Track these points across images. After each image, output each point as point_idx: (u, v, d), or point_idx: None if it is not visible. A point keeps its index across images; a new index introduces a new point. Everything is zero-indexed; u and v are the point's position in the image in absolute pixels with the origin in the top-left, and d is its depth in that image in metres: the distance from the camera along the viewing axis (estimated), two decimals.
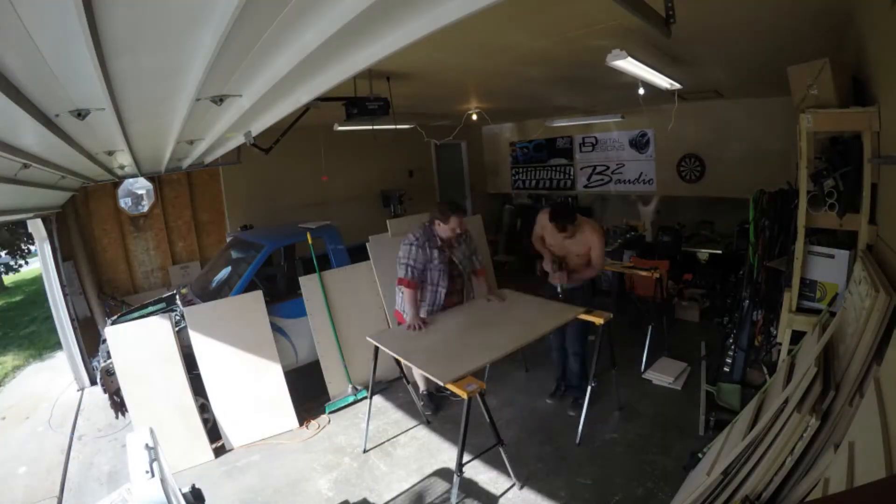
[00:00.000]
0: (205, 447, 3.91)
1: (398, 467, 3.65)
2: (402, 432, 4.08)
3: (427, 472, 3.53)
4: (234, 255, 5.15)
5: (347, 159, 7.52)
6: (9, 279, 14.57)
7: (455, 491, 2.95)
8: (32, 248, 11.38)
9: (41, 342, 8.27)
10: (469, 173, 9.74)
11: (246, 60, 1.63)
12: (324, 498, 3.40)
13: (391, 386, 4.84)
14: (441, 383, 2.88)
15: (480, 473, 3.45)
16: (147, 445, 1.95)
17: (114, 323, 4.20)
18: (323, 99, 2.83)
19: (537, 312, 3.76)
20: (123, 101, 1.90)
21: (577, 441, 3.60)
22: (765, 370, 3.48)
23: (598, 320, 3.49)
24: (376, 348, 3.64)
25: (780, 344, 3.12)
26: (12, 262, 13.56)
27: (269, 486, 3.55)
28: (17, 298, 13.04)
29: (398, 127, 5.69)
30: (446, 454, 3.73)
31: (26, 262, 13.72)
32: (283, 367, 4.32)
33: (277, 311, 4.51)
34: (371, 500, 3.33)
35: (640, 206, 7.80)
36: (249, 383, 4.15)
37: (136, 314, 4.47)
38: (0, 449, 4.44)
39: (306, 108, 3.72)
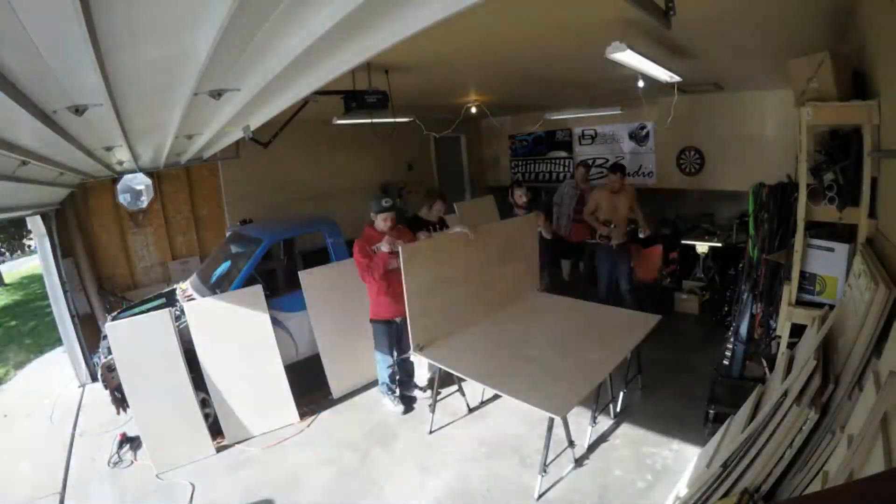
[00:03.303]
0: (206, 442, 3.93)
1: (398, 461, 3.66)
2: (403, 426, 4.09)
3: (427, 465, 3.55)
4: (233, 249, 5.15)
5: (346, 153, 7.51)
6: (10, 275, 14.56)
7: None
8: (28, 244, 11.32)
9: (42, 339, 8.28)
10: (468, 166, 9.72)
11: (245, 53, 1.62)
12: (324, 492, 3.42)
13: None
14: (557, 416, 2.91)
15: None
16: None
17: (114, 319, 4.20)
18: (321, 92, 2.83)
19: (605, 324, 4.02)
20: (121, 96, 1.88)
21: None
22: (764, 363, 3.49)
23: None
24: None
25: (780, 337, 3.13)
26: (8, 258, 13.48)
27: (269, 481, 3.57)
28: (19, 295, 13.04)
29: (397, 120, 5.67)
30: (446, 447, 3.75)
31: (11, 256, 13.62)
32: (283, 361, 4.33)
33: (277, 304, 4.51)
34: (372, 493, 3.35)
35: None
36: (250, 378, 4.15)
37: (136, 310, 4.47)
38: (2, 446, 4.46)
39: (305, 102, 3.72)
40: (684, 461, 3.22)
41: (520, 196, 5.35)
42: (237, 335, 4.15)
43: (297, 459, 3.79)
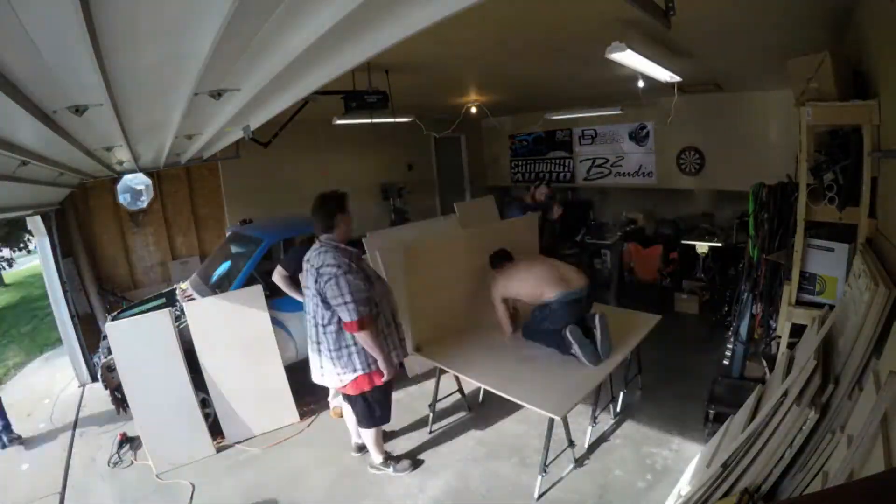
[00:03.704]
0: (206, 442, 3.93)
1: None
2: (404, 426, 4.09)
3: (427, 465, 3.55)
4: (233, 249, 5.15)
5: (346, 153, 7.52)
6: (10, 275, 14.54)
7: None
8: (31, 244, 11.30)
9: (42, 339, 8.27)
10: (468, 166, 9.72)
11: (245, 53, 1.62)
12: (325, 492, 3.42)
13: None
14: (557, 416, 2.89)
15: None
16: None
17: (114, 319, 4.20)
18: (321, 92, 2.83)
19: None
20: (121, 96, 1.88)
21: None
22: (764, 363, 3.49)
23: None
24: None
25: (780, 337, 3.13)
26: (8, 257, 13.43)
27: (270, 481, 3.57)
28: (18, 295, 13.03)
29: (397, 120, 5.68)
30: (446, 447, 3.74)
31: (28, 252, 13.58)
32: (284, 361, 4.33)
33: (277, 305, 4.50)
34: (372, 493, 3.35)
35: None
36: (250, 378, 4.15)
37: (136, 310, 4.47)
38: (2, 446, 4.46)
39: (305, 102, 3.73)
40: (684, 461, 3.22)
41: (541, 193, 5.57)
42: (237, 335, 4.15)
43: (297, 459, 3.79)
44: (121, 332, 3.83)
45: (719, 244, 5.98)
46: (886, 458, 1.20)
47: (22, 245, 12.70)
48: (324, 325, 2.95)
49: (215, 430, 4.03)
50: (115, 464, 3.89)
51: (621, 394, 4.01)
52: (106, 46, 1.28)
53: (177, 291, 4.86)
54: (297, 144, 6.42)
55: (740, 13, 2.65)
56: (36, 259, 7.27)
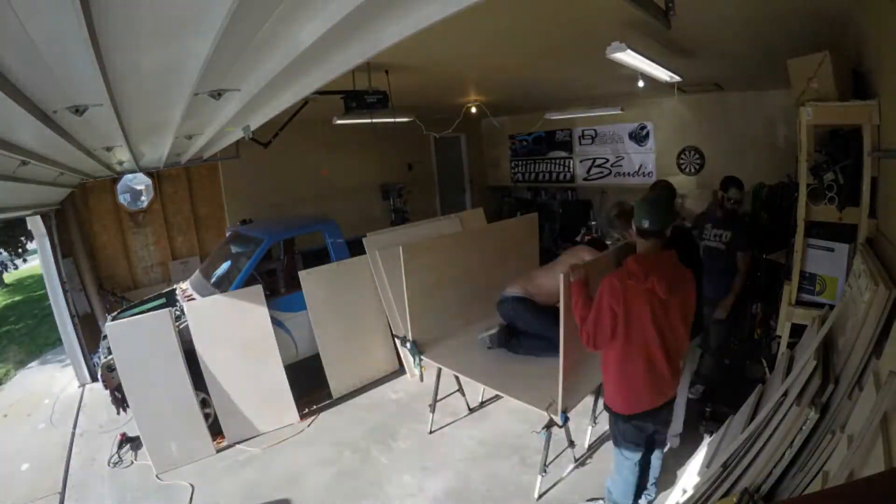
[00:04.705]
0: (206, 442, 3.93)
1: (398, 460, 3.66)
2: (403, 426, 4.09)
3: (427, 465, 3.55)
4: (233, 249, 5.15)
5: (347, 153, 7.52)
6: (10, 276, 14.54)
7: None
8: (30, 246, 11.25)
9: (42, 339, 8.28)
10: (468, 166, 9.72)
11: (245, 53, 1.62)
12: (325, 491, 3.42)
13: (390, 380, 4.86)
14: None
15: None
16: None
17: (114, 319, 4.20)
18: (321, 92, 2.83)
19: None
20: (121, 96, 1.88)
21: None
22: (764, 363, 3.49)
23: None
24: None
25: (780, 337, 3.13)
26: (9, 262, 13.37)
27: (270, 480, 3.57)
28: (19, 295, 13.03)
29: (397, 120, 5.67)
30: (446, 447, 3.75)
31: (24, 261, 13.55)
32: (283, 361, 4.33)
33: (277, 304, 4.51)
34: (372, 493, 3.35)
35: None
36: (250, 377, 4.15)
37: (136, 310, 4.47)
38: (2, 446, 4.46)
39: (305, 102, 3.72)
40: (684, 461, 3.22)
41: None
42: (237, 335, 4.15)
43: (297, 459, 3.79)
44: (121, 332, 3.83)
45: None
46: (886, 458, 1.20)
47: (15, 253, 12.60)
48: None
49: (215, 430, 4.03)
50: (115, 464, 3.90)
51: None
52: (106, 47, 1.28)
53: (177, 291, 4.86)
54: (297, 144, 6.42)
55: (740, 13, 2.65)
56: (34, 261, 7.27)
